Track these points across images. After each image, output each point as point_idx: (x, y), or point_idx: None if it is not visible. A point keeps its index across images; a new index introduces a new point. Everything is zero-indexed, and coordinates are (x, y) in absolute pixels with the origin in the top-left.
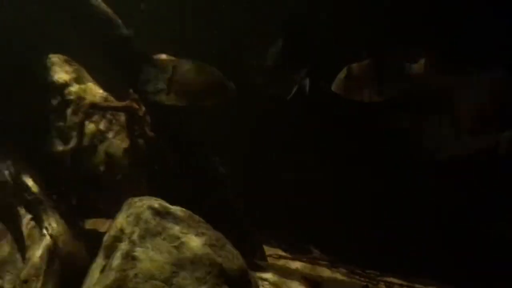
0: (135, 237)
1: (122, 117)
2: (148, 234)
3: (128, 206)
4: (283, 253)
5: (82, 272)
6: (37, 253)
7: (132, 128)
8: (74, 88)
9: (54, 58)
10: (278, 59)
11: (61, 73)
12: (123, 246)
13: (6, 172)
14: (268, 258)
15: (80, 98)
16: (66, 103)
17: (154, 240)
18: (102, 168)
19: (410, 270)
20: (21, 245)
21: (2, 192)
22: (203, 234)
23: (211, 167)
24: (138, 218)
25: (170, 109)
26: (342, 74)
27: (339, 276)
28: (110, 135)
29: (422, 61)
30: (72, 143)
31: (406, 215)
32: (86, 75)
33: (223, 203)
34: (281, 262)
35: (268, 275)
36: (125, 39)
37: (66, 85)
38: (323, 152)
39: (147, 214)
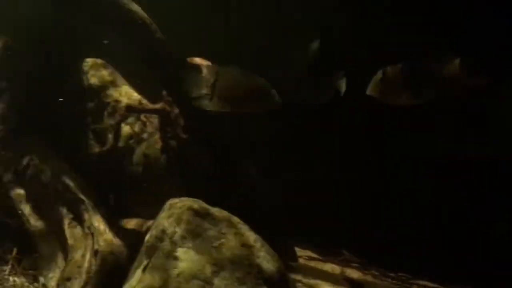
0: (176, 237)
1: (155, 120)
2: (189, 235)
3: (169, 207)
4: (313, 255)
5: (123, 271)
6: (80, 252)
7: (164, 130)
8: (110, 91)
9: (91, 62)
10: (312, 63)
11: (98, 77)
12: (165, 246)
13: (49, 173)
14: (299, 260)
15: (116, 101)
16: (102, 106)
17: (194, 240)
18: (140, 168)
19: (442, 273)
20: (63, 244)
21: (44, 192)
22: (241, 235)
23: (241, 169)
24: (179, 219)
25: (204, 112)
26: (377, 77)
27: (370, 278)
28: (144, 137)
29: (457, 63)
30: (108, 144)
31: (439, 217)
32: (120, 78)
33: (253, 204)
34: (312, 263)
35: (300, 277)
36: (161, 43)
37: (102, 88)
38: (354, 154)
39: (188, 215)
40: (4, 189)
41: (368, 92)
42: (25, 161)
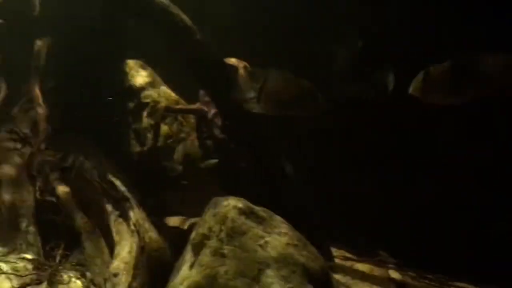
0: (222, 235)
1: (192, 119)
2: (234, 233)
3: (214, 206)
4: (348, 255)
5: (168, 268)
6: (126, 248)
7: (201, 130)
8: (150, 91)
9: (131, 63)
10: (357, 60)
11: (137, 78)
12: (212, 243)
13: (95, 171)
14: (335, 259)
15: (155, 101)
16: (142, 106)
17: (240, 238)
18: (180, 167)
19: (479, 274)
20: (109, 241)
21: (91, 190)
22: (285, 234)
23: (279, 168)
24: (224, 217)
25: (244, 113)
26: (419, 76)
27: (409, 279)
28: (182, 136)
29: (501, 62)
30: (148, 144)
31: (478, 217)
32: (158, 79)
33: (289, 203)
34: (348, 263)
35: (338, 276)
36: (200, 44)
37: (142, 89)
38: (391, 153)
39: (233, 214)
40: (51, 187)
41: (410, 91)
42: (70, 159)
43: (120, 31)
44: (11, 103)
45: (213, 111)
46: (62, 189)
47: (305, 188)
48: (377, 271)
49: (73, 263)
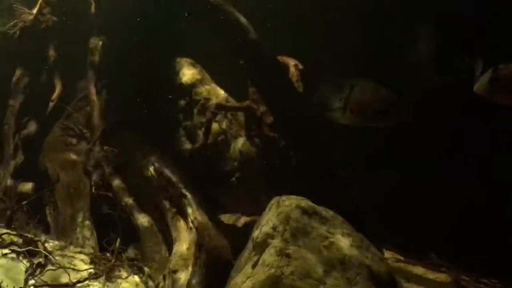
0: (287, 235)
1: (241, 117)
2: (298, 233)
3: (277, 205)
4: (399, 257)
5: (227, 265)
6: (185, 245)
7: (250, 128)
8: (200, 89)
9: (182, 61)
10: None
11: (188, 75)
12: (276, 243)
13: (151, 168)
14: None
15: (205, 99)
16: (193, 103)
17: (304, 238)
18: (230, 165)
19: None
20: (167, 237)
21: (148, 186)
22: (348, 235)
23: (332, 168)
24: (288, 217)
25: (295, 111)
26: (487, 75)
27: (465, 283)
28: (231, 134)
29: None
30: (199, 142)
31: None
32: (208, 76)
33: (342, 204)
34: (401, 265)
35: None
36: (254, 43)
37: (193, 86)
38: (446, 155)
39: (296, 213)
40: (107, 182)
41: (475, 90)
42: (126, 155)
43: (171, 29)
44: (67, 100)
45: (262, 108)
46: (118, 184)
47: (358, 188)
48: (431, 274)
49: (130, 258)
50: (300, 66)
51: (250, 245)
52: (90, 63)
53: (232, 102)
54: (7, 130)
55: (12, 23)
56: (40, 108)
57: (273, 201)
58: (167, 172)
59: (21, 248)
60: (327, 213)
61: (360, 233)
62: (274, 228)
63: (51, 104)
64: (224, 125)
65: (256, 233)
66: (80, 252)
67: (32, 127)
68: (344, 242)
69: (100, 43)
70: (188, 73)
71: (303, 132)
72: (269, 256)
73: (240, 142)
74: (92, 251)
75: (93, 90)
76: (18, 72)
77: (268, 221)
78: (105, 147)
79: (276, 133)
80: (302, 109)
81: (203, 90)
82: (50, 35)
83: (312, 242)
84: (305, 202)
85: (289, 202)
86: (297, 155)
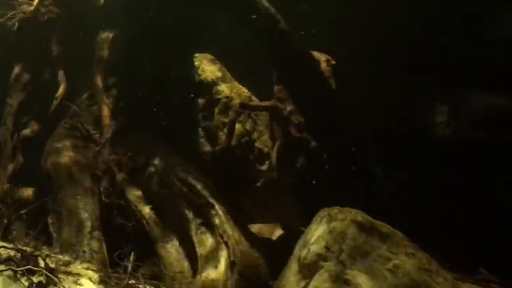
0: (344, 257)
1: (266, 117)
2: (357, 254)
3: (328, 219)
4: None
5: (263, 287)
6: (212, 263)
7: (274, 129)
8: (222, 87)
9: (201, 57)
10: None
11: (208, 72)
12: (331, 266)
13: (170, 173)
14: None
15: (227, 98)
16: (213, 102)
17: (364, 261)
18: (254, 168)
19: None
20: (190, 252)
21: (167, 194)
22: (413, 255)
23: (368, 171)
24: (343, 234)
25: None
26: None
27: None
28: (255, 135)
29: None
30: (222, 143)
31: None
32: (228, 74)
33: (379, 209)
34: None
35: None
36: (283, 34)
37: (213, 84)
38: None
39: (353, 230)
40: (119, 189)
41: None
42: (142, 159)
43: (189, 21)
44: (72, 98)
45: (289, 108)
46: (133, 191)
47: (398, 194)
48: None
49: (146, 275)
50: (333, 61)
51: (294, 265)
52: (98, 58)
53: (256, 101)
54: (5, 130)
55: (10, 14)
56: (42, 107)
57: (322, 213)
58: (190, 178)
59: (19, 265)
60: (387, 229)
61: (425, 252)
62: (328, 248)
63: (54, 102)
64: (248, 126)
65: (303, 253)
66: (88, 269)
67: (33, 127)
68: (410, 264)
69: (110, 36)
70: (208, 69)
71: (336, 132)
72: (322, 282)
73: (266, 144)
74: (101, 267)
75: (101, 87)
76: (17, 69)
77: (319, 238)
78: (117, 150)
79: (306, 133)
80: (335, 107)
81: (225, 88)
82: (53, 28)
83: (374, 265)
84: (361, 216)
85: (343, 216)
86: (330, 158)
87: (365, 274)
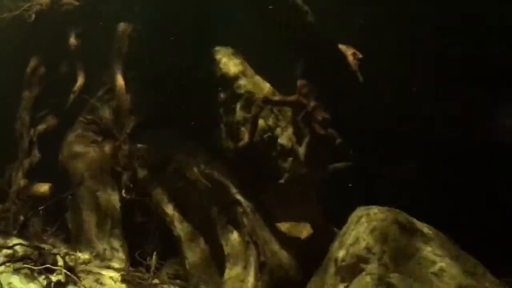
0: (386, 259)
1: (289, 112)
2: (400, 256)
3: (366, 218)
4: None
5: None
6: (241, 263)
7: (298, 124)
8: (243, 81)
9: (222, 50)
10: None
11: (229, 66)
12: (373, 269)
13: (194, 169)
14: None
15: (249, 92)
16: (235, 97)
17: (408, 263)
18: (284, 165)
19: None
20: (217, 252)
21: (191, 191)
22: (457, 257)
23: (401, 172)
24: (384, 235)
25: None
26: None
27: None
28: (278, 131)
29: None
30: (245, 139)
31: None
32: (250, 68)
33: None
34: None
35: None
36: (311, 26)
37: (235, 78)
38: None
39: (394, 230)
40: (141, 187)
41: None
42: (164, 154)
43: (209, 15)
44: (90, 92)
45: (313, 103)
46: (155, 188)
47: (428, 194)
48: None
49: (170, 275)
50: (359, 55)
51: (331, 267)
52: (116, 51)
53: (279, 96)
54: (21, 125)
55: (27, 6)
56: (60, 101)
57: (359, 213)
58: (215, 174)
59: (36, 263)
60: (429, 229)
61: (469, 255)
62: (369, 249)
63: (72, 96)
64: (270, 122)
65: (341, 254)
66: (109, 267)
67: (49, 121)
68: (455, 268)
69: (129, 29)
70: (229, 63)
71: (364, 128)
72: (363, 286)
73: (289, 140)
74: (122, 265)
75: (120, 81)
76: (33, 62)
77: (358, 239)
78: (138, 145)
79: (330, 129)
80: (364, 103)
81: (247, 82)
82: (71, 20)
83: (418, 268)
84: (402, 216)
85: (383, 216)
86: (357, 154)
87: (409, 277)
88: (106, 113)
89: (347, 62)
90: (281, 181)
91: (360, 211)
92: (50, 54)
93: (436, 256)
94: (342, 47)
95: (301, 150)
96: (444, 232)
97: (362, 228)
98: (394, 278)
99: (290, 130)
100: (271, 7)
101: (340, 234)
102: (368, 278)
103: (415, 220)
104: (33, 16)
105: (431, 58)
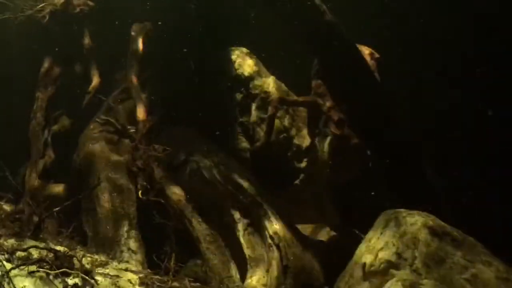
0: (417, 264)
1: (304, 113)
2: (431, 261)
3: (396, 223)
4: None
5: None
6: (263, 266)
7: (313, 125)
8: (259, 81)
9: (237, 51)
10: None
11: (245, 66)
12: (404, 275)
13: (215, 171)
14: None
15: (265, 92)
16: (251, 97)
17: (439, 269)
18: (299, 165)
19: None
20: (237, 254)
21: (211, 192)
22: (489, 263)
23: (420, 175)
24: (415, 239)
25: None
26: None
27: None
28: (293, 131)
29: None
30: (261, 140)
31: None
32: (264, 69)
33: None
34: None
35: None
36: (330, 25)
37: (250, 78)
38: None
39: (425, 235)
40: (158, 186)
41: None
42: (182, 155)
43: (224, 15)
44: (105, 92)
45: (329, 103)
46: (174, 189)
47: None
48: None
49: (189, 278)
50: (376, 55)
51: (357, 272)
52: (132, 51)
53: (294, 97)
54: (35, 125)
55: (40, 6)
56: (74, 102)
57: (386, 216)
58: (235, 176)
59: (52, 266)
60: (459, 234)
61: (500, 259)
62: (399, 254)
63: (87, 96)
64: (286, 122)
65: (369, 259)
66: (127, 270)
67: (64, 122)
68: (488, 273)
69: (144, 29)
70: (244, 64)
71: (383, 129)
72: None
73: (305, 140)
74: (140, 268)
75: (135, 81)
76: (47, 62)
77: (387, 244)
78: (155, 146)
79: (347, 129)
80: (383, 103)
81: (262, 83)
82: (85, 20)
83: (450, 274)
84: (432, 220)
85: (413, 220)
86: (376, 155)
87: (442, 283)
88: (121, 113)
89: (364, 62)
90: (297, 182)
91: (387, 214)
92: (64, 54)
93: (467, 261)
94: (359, 47)
95: (325, 149)
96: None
97: (391, 232)
98: (426, 284)
99: (305, 131)
100: (289, 8)
101: (367, 238)
102: (399, 285)
103: (445, 224)
104: (47, 16)
105: None
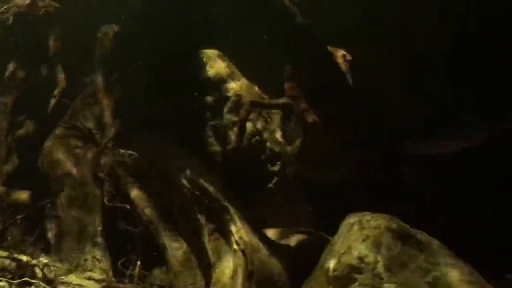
0: (379, 268)
1: (277, 116)
2: (394, 265)
3: (359, 226)
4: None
5: None
6: (227, 272)
7: (286, 128)
8: (231, 84)
9: (209, 53)
10: None
11: (216, 69)
12: (366, 279)
13: (179, 175)
14: None
15: (237, 95)
16: (222, 100)
17: (402, 273)
18: (272, 169)
19: None
20: (202, 259)
21: (176, 197)
22: (453, 265)
23: (396, 175)
24: (377, 243)
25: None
26: None
27: None
28: (266, 134)
29: None
30: (232, 143)
31: None
32: (237, 71)
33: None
34: None
35: None
36: (301, 28)
37: (222, 81)
38: None
39: (388, 238)
40: (124, 192)
41: None
42: (148, 160)
43: (195, 17)
44: (71, 95)
45: (303, 106)
46: (137, 194)
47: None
48: None
49: (155, 285)
50: (349, 57)
51: (321, 277)
52: (99, 54)
53: (267, 99)
54: None
55: (4, 8)
56: (39, 106)
57: (351, 220)
58: (202, 180)
59: (14, 275)
60: (423, 236)
61: (465, 263)
62: (361, 258)
63: (52, 100)
64: (259, 125)
65: (332, 264)
66: (90, 278)
67: (29, 127)
68: (451, 276)
69: (112, 31)
70: (216, 66)
71: (358, 131)
72: None
73: (278, 143)
74: (105, 276)
75: (102, 85)
76: (11, 66)
77: (350, 248)
78: (121, 151)
79: (321, 132)
80: (355, 106)
81: (234, 85)
82: (51, 22)
83: (413, 277)
84: (396, 223)
85: (377, 223)
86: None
87: (404, 287)
88: (87, 118)
89: (336, 64)
90: (270, 185)
91: (352, 218)
92: (30, 57)
93: (430, 264)
94: (331, 48)
95: (289, 150)
96: None
97: (354, 236)
98: None
99: (279, 134)
100: (260, 10)
101: (331, 243)
102: None
103: (408, 227)
104: (11, 18)
105: None
